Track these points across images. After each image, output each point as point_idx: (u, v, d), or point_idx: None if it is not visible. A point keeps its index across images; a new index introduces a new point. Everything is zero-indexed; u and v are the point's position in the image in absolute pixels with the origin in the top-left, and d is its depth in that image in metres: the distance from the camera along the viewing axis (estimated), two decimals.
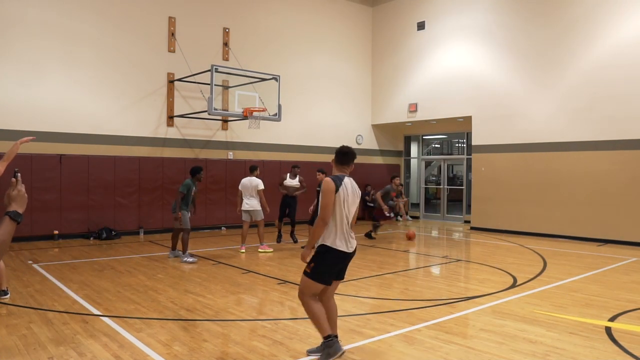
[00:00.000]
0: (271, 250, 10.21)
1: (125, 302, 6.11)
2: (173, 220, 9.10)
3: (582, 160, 12.44)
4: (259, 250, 10.18)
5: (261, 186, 10.02)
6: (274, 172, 14.78)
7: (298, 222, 11.88)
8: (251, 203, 10.05)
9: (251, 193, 10.02)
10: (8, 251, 9.08)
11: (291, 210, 11.36)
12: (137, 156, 12.48)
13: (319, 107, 16.29)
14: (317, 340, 4.75)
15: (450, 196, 17.75)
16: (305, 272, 4.11)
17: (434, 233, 14.37)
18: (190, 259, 8.86)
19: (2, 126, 10.75)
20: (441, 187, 17.83)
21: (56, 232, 11.26)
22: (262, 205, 10.01)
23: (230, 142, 14.30)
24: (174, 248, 9.32)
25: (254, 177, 10.11)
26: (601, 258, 9.82)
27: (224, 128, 14.19)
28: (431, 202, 18.81)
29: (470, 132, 15.32)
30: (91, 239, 11.50)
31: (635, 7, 11.66)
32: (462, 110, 15.11)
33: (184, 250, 8.98)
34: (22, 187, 2.11)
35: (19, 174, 2.14)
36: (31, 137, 5.68)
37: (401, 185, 18.48)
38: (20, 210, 2.08)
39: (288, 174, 11.45)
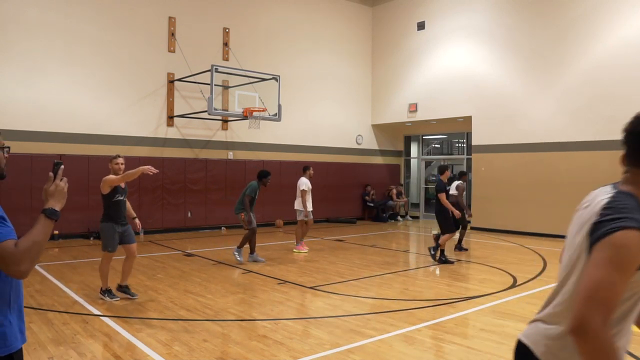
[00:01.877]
0: (306, 250, 10.22)
1: (125, 302, 6.11)
2: (240, 221, 9.00)
3: (582, 160, 12.43)
4: (293, 250, 10.23)
5: (302, 187, 10.05)
6: (273, 172, 14.76)
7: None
8: (295, 203, 10.25)
9: (297, 193, 10.19)
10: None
11: None
12: (137, 156, 12.46)
13: (319, 107, 16.28)
14: (317, 340, 4.76)
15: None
16: None
17: (434, 233, 14.35)
18: (260, 259, 8.93)
19: (2, 126, 10.73)
20: None
21: (56, 232, 11.25)
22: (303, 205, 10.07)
23: (230, 142, 14.30)
24: (253, 251, 9.04)
25: (303, 177, 10.22)
26: None
27: (224, 128, 14.19)
28: (431, 202, 18.79)
29: (470, 132, 15.31)
30: (91, 239, 11.49)
31: (635, 7, 11.66)
32: (462, 110, 15.10)
33: (252, 250, 9.00)
34: (61, 182, 1.96)
35: (60, 167, 1.97)
36: (154, 170, 5.70)
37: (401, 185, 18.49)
38: (58, 207, 1.92)
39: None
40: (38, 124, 11.13)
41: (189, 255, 9.64)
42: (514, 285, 7.20)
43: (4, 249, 1.74)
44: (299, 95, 15.54)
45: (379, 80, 17.70)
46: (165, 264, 8.74)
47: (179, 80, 12.97)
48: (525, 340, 1.69)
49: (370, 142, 17.89)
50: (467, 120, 15.20)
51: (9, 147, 1.99)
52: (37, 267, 8.24)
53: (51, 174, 1.95)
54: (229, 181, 13.91)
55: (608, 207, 1.50)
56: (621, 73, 11.76)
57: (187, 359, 4.25)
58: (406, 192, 18.86)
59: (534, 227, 13.24)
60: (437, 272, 8.41)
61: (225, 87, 13.67)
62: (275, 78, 12.26)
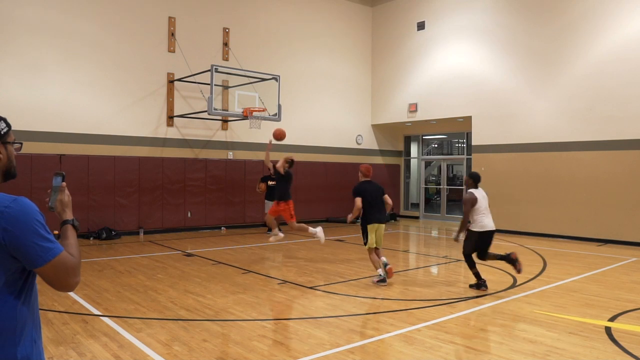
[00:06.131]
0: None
1: (125, 302, 6.11)
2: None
3: (582, 160, 12.43)
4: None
5: None
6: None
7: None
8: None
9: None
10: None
11: None
12: (137, 156, 12.48)
13: (319, 107, 16.28)
14: (317, 340, 4.76)
15: (450, 196, 17.74)
16: None
17: (434, 233, 14.36)
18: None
19: None
20: (441, 187, 17.83)
21: (56, 232, 11.18)
22: None
23: (230, 142, 14.30)
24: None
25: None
26: (601, 258, 9.82)
27: (224, 128, 14.18)
28: (431, 202, 18.80)
29: (470, 132, 15.31)
30: (91, 239, 11.51)
31: (635, 7, 11.66)
32: (462, 110, 15.10)
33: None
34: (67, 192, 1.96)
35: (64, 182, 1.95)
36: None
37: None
38: (72, 217, 1.93)
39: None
40: (38, 124, 11.13)
41: (189, 255, 9.64)
42: (514, 285, 7.20)
43: (69, 260, 1.70)
44: (299, 95, 15.54)
45: (379, 80, 17.70)
46: (165, 264, 8.73)
47: (179, 80, 12.97)
48: None
49: (370, 142, 17.89)
50: (467, 120, 15.20)
51: (21, 143, 1.91)
52: None
53: (64, 183, 1.94)
54: (229, 181, 13.91)
55: None
56: (621, 73, 11.76)
57: (187, 359, 4.25)
58: (406, 192, 18.85)
59: (534, 227, 13.24)
60: (437, 272, 8.41)
61: (225, 87, 13.66)
62: (275, 78, 12.26)
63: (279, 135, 9.74)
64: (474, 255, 7.00)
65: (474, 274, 6.91)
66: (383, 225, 7.41)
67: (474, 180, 7.16)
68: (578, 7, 12.59)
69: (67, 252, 1.73)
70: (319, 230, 8.99)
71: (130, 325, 5.16)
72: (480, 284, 6.86)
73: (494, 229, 7.07)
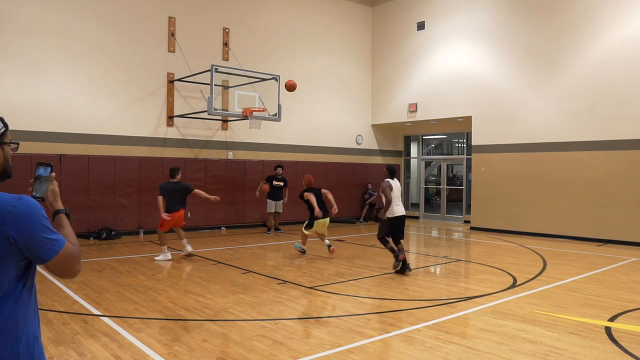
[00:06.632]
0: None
1: (125, 302, 6.11)
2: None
3: (582, 160, 12.43)
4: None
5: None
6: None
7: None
8: None
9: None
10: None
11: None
12: (137, 156, 12.48)
13: (319, 107, 16.28)
14: (317, 340, 4.76)
15: (450, 196, 17.74)
16: None
17: (434, 233, 14.36)
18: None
19: None
20: (441, 187, 17.83)
21: None
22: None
23: (230, 142, 14.29)
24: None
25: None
26: (601, 258, 9.82)
27: (224, 128, 14.18)
28: (431, 202, 18.81)
29: (470, 132, 15.32)
30: (91, 239, 11.50)
31: (635, 7, 11.66)
32: (462, 110, 15.10)
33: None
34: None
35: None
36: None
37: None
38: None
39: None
40: (38, 124, 11.13)
41: (189, 255, 9.63)
42: (514, 285, 7.21)
43: (72, 249, 1.78)
44: (299, 95, 15.48)
45: (379, 80, 17.70)
46: (165, 264, 8.73)
47: (179, 80, 12.97)
48: None
49: (370, 142, 17.88)
50: (467, 120, 15.20)
51: (17, 144, 1.94)
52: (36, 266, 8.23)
53: (53, 174, 1.96)
54: (229, 181, 13.91)
55: None
56: (621, 73, 11.76)
57: (187, 359, 4.25)
58: (406, 192, 18.85)
59: (534, 227, 13.24)
60: (437, 272, 8.41)
61: (225, 87, 13.66)
62: (275, 78, 12.26)
63: (291, 86, 11.17)
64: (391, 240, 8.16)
65: (389, 249, 8.04)
66: (327, 219, 9.46)
67: (390, 172, 8.19)
68: (578, 7, 12.59)
69: (69, 242, 1.80)
70: (183, 250, 9.42)
71: (130, 325, 5.16)
72: (397, 258, 7.93)
73: (404, 214, 8.15)
